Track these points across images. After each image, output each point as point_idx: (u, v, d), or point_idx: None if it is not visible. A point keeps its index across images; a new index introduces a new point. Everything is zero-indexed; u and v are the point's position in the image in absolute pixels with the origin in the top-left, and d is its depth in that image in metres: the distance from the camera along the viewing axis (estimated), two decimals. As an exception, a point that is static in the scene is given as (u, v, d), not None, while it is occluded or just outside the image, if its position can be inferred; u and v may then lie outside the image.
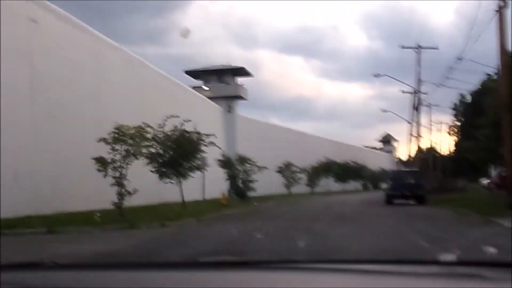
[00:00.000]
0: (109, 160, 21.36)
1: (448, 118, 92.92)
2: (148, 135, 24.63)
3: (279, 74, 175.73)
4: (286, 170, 61.27)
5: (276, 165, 60.47)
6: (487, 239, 12.46)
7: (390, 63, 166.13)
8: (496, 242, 10.60)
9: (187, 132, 27.27)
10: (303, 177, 64.71)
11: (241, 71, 61.21)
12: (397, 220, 20.39)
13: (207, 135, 27.84)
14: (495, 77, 54.70)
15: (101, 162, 21.22)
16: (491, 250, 2.97)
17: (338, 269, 2.17)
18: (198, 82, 60.55)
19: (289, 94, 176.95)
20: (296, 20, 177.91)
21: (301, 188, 63.85)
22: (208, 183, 41.60)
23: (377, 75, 58.41)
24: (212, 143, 27.59)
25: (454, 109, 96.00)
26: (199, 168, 28.11)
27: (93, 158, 21.25)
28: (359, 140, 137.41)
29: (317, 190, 68.80)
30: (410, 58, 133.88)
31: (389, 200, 33.29)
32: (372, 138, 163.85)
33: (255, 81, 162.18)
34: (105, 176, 21.40)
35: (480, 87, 68.09)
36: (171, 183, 27.57)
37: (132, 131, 21.77)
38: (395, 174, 36.23)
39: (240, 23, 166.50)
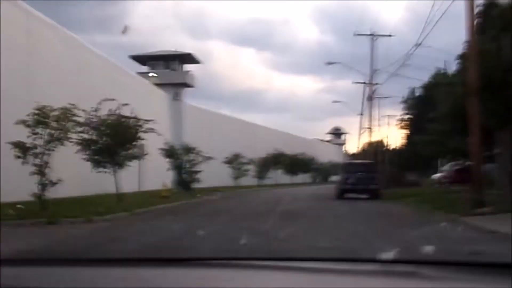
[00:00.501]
0: (29, 145, 18.59)
1: (398, 112, 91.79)
2: (79, 119, 21.99)
3: (231, 66, 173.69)
4: (234, 161, 59.00)
5: (224, 156, 58.21)
6: (466, 244, 10.49)
7: (341, 57, 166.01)
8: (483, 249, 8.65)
9: (124, 117, 24.61)
10: (252, 168, 62.55)
11: (189, 58, 58.56)
12: (351, 218, 18.27)
13: (147, 120, 25.23)
14: (445, 71, 54.16)
15: (19, 147, 18.47)
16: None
17: (276, 266, 2.13)
18: (145, 69, 57.70)
19: (241, 85, 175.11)
20: (248, 12, 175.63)
21: (249, 180, 61.66)
22: (150, 173, 38.96)
23: (330, 63, 56.38)
24: (151, 129, 24.98)
25: (404, 102, 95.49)
26: (136, 157, 25.45)
27: (10, 143, 18.48)
28: (309, 133, 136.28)
29: (266, 183, 66.68)
30: (361, 53, 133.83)
31: (341, 194, 31.24)
32: (323, 131, 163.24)
33: (206, 72, 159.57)
34: (23, 163, 18.65)
35: (431, 80, 67.75)
36: (106, 172, 24.89)
37: (56, 113, 19.03)
38: (348, 166, 33.94)
39: (192, 13, 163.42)
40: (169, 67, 57.55)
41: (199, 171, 40.18)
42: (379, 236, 12.11)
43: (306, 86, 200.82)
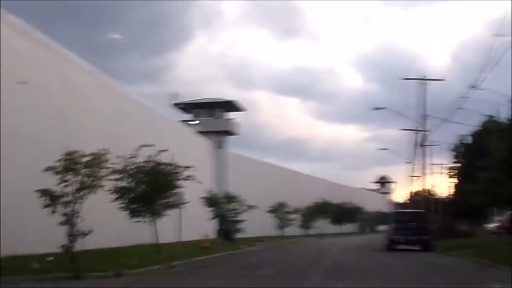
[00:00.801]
0: (59, 193, 17.37)
1: (447, 159, 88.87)
2: (115, 165, 20.85)
3: (275, 115, 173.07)
4: (278, 210, 57.24)
5: (268, 205, 56.60)
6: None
7: (386, 105, 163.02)
8: None
9: (162, 163, 23.37)
10: (297, 218, 60.64)
11: (233, 106, 57.58)
12: (407, 275, 16.40)
13: (186, 167, 23.94)
14: (496, 117, 52.10)
15: (48, 195, 17.25)
16: None
17: None
18: (188, 117, 56.93)
19: (285, 135, 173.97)
20: (292, 61, 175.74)
21: (294, 230, 59.73)
22: (190, 223, 37.62)
23: (377, 108, 54.41)
24: (190, 176, 23.67)
25: (453, 150, 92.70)
26: (175, 205, 24.04)
27: (38, 191, 17.29)
28: (354, 182, 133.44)
29: (311, 232, 64.61)
30: (406, 101, 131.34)
31: (391, 245, 29.19)
32: (367, 180, 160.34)
33: (251, 121, 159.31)
34: (53, 212, 17.40)
35: (481, 127, 65.80)
36: (143, 222, 23.55)
37: (87, 158, 17.83)
38: (398, 215, 31.87)
39: (237, 64, 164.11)
40: (212, 115, 56.64)
41: (242, 221, 38.64)
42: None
43: (351, 135, 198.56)
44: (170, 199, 23.52)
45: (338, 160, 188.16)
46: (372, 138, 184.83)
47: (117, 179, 22.45)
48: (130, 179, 22.88)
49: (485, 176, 34.27)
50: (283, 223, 57.12)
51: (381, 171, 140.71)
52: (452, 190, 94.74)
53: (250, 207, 38.46)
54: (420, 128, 57.23)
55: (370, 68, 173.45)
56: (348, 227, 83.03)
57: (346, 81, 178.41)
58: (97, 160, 17.93)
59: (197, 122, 54.65)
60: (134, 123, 34.21)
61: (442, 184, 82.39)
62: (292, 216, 57.97)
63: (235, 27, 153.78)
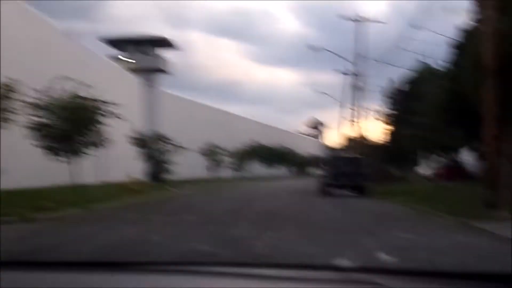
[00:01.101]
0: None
1: (381, 105, 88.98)
2: (28, 98, 18.86)
3: (210, 57, 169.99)
4: (210, 152, 55.86)
5: (201, 146, 55.12)
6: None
7: (322, 52, 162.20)
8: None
9: (82, 97, 21.33)
10: (229, 160, 59.49)
11: (166, 43, 55.19)
12: (346, 223, 15.30)
13: (108, 103, 21.99)
14: (430, 64, 52.28)
15: None
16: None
17: (237, 273, 2.03)
18: (116, 53, 54.22)
19: (220, 77, 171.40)
20: (230, 2, 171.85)
21: (226, 172, 58.61)
22: (118, 164, 35.85)
23: (313, 48, 52.51)
24: (113, 113, 21.81)
25: (389, 95, 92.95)
26: (95, 143, 22.12)
27: None
28: (287, 126, 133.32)
29: (243, 175, 63.70)
30: (342, 47, 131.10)
31: (325, 189, 28.28)
32: (300, 124, 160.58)
33: (184, 62, 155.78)
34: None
35: (415, 73, 66.41)
36: (61, 161, 21.63)
37: (-5, 90, 15.78)
38: (334, 159, 30.81)
39: (174, 3, 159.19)
40: (144, 52, 54.13)
41: (171, 162, 37.12)
42: (388, 249, 9.09)
43: (286, 78, 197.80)
44: (92, 138, 21.61)
45: (272, 104, 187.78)
46: (307, 82, 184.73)
47: (33, 115, 20.46)
48: (48, 115, 20.83)
49: (420, 122, 34.49)
50: (215, 165, 55.87)
51: (315, 115, 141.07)
52: (385, 136, 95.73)
53: (180, 148, 36.83)
54: (355, 71, 56.52)
55: (308, 11, 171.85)
56: (280, 171, 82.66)
57: (283, 24, 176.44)
58: (5, 91, 15.89)
59: (127, 59, 52.08)
60: (56, 55, 31.73)
61: (375, 130, 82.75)
62: (225, 158, 56.76)
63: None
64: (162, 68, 54.10)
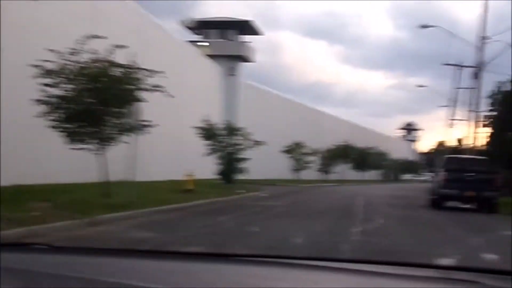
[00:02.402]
0: None
1: (481, 108, 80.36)
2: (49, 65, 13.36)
3: (300, 57, 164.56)
4: (294, 151, 49.51)
5: (284, 144, 48.95)
6: None
7: (414, 53, 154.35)
8: None
9: (116, 64, 15.45)
10: (316, 161, 52.86)
11: (249, 28, 49.14)
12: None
13: (152, 71, 15.93)
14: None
15: None
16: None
17: (332, 267, 2.08)
18: (195, 37, 48.73)
19: (309, 78, 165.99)
20: (321, 3, 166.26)
21: (311, 173, 52.10)
22: (178, 157, 30.31)
23: (425, 26, 43.90)
24: (159, 87, 15.80)
25: (490, 96, 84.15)
26: (131, 128, 16.04)
27: None
28: (378, 128, 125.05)
29: (330, 178, 56.94)
30: (435, 51, 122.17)
31: (439, 202, 21.24)
32: (392, 128, 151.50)
33: (275, 63, 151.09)
34: None
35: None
36: (88, 150, 15.84)
37: None
38: (451, 161, 23.18)
39: (264, 3, 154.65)
40: (225, 37, 48.40)
41: (246, 159, 31.08)
42: None
43: (377, 81, 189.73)
44: (127, 119, 15.66)
45: (362, 106, 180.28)
46: (398, 86, 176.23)
47: (49, 85, 14.85)
48: (69, 85, 15.10)
49: None
50: (299, 165, 49.52)
51: (407, 119, 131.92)
52: (485, 141, 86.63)
53: (257, 142, 30.68)
54: (464, 64, 48.80)
55: (401, 14, 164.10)
56: (370, 174, 75.18)
57: (376, 26, 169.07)
58: None
59: (206, 43, 46.50)
60: (115, 25, 26.32)
61: (474, 134, 74.17)
62: (310, 158, 50.24)
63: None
64: (244, 55, 48.12)
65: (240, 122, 43.60)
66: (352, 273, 1.97)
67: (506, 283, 1.81)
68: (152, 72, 15.92)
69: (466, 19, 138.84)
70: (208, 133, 29.47)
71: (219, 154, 29.85)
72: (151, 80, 15.94)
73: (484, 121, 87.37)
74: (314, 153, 50.72)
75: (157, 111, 30.64)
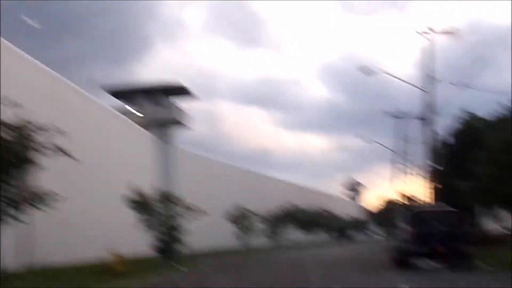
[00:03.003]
0: None
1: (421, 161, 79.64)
2: None
3: (239, 125, 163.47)
4: (239, 217, 46.23)
5: (228, 211, 45.72)
6: None
7: (352, 115, 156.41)
8: None
9: (7, 125, 12.15)
10: (262, 226, 49.52)
11: (181, 92, 46.45)
12: None
13: (54, 130, 12.63)
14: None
15: None
16: None
17: None
18: (122, 104, 45.50)
19: (250, 145, 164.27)
20: (257, 72, 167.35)
21: (259, 240, 48.68)
22: (108, 233, 26.85)
23: (365, 71, 41.11)
24: (60, 148, 12.53)
25: (433, 150, 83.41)
26: (19, 201, 12.39)
27: None
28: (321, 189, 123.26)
29: (278, 243, 53.54)
30: (369, 112, 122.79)
31: (404, 260, 18.36)
32: (335, 187, 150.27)
33: (214, 132, 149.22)
34: None
35: (462, 126, 59.84)
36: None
37: None
38: (418, 215, 20.23)
39: (200, 75, 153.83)
40: (155, 102, 45.42)
41: (187, 230, 27.69)
42: None
43: (317, 143, 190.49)
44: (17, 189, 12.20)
45: (304, 169, 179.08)
46: (337, 146, 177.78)
47: None
48: None
49: (484, 173, 31.12)
50: (246, 232, 46.17)
51: (347, 179, 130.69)
52: (431, 193, 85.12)
53: (198, 211, 27.38)
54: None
55: (334, 77, 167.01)
56: (321, 236, 71.99)
57: (311, 91, 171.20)
58: None
59: (134, 110, 43.37)
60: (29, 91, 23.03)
61: (420, 188, 72.81)
62: (257, 224, 47.03)
63: (197, 39, 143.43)
64: (179, 120, 45.15)
65: (179, 190, 40.15)
66: None
67: None
68: (53, 131, 12.69)
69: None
70: (141, 204, 25.93)
71: (154, 226, 26.24)
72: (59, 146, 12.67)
73: (430, 175, 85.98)
74: (259, 218, 47.52)
75: (81, 183, 27.18)
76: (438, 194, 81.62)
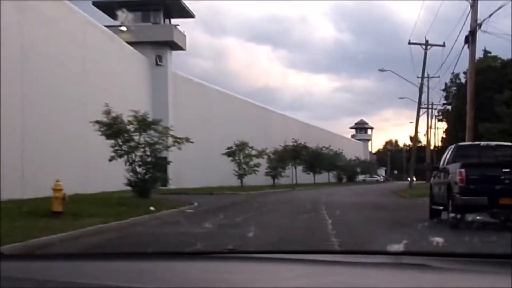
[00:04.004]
0: None
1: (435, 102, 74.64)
2: None
3: (245, 63, 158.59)
4: (238, 153, 41.33)
5: (226, 145, 40.90)
6: None
7: (358, 56, 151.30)
8: None
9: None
10: (262, 163, 44.53)
11: (178, 9, 40.66)
12: None
13: None
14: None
15: None
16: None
17: (289, 259, 2.12)
18: (114, 22, 39.80)
19: (255, 83, 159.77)
20: (264, 9, 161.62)
21: (259, 178, 43.88)
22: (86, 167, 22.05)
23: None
24: None
25: (445, 89, 77.91)
26: None
27: None
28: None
29: (280, 182, 48.68)
30: (378, 53, 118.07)
31: (456, 214, 12.88)
32: (339, 130, 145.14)
33: (220, 68, 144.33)
34: None
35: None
36: None
37: None
38: (466, 151, 14.70)
39: (207, 10, 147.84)
40: (148, 20, 39.76)
41: (167, 162, 22.69)
42: None
43: (323, 84, 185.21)
44: None
45: (309, 110, 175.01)
46: (343, 88, 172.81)
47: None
48: None
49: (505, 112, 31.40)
50: (244, 169, 41.32)
51: (352, 121, 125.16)
52: (441, 137, 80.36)
53: (180, 140, 22.23)
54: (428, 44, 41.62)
55: (343, 18, 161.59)
56: (323, 177, 67.12)
57: (317, 30, 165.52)
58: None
59: (124, 28, 37.75)
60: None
61: (429, 130, 67.65)
62: (256, 161, 42.06)
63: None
64: (174, 40, 39.50)
65: (173, 120, 35.40)
66: (306, 263, 2.00)
67: (452, 264, 1.83)
68: None
69: (408, 19, 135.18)
70: (111, 128, 20.72)
71: (127, 157, 21.11)
72: None
73: (439, 116, 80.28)
74: (260, 154, 42.53)
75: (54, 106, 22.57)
76: (449, 136, 76.62)
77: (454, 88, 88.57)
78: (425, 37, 40.90)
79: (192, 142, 22.54)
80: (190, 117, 41.22)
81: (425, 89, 46.45)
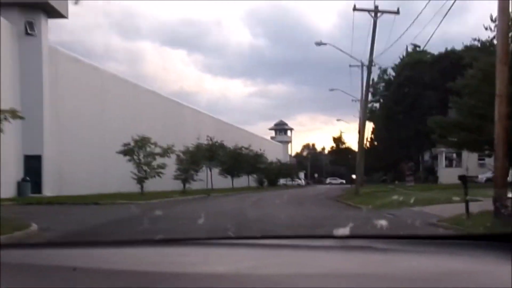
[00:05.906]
0: None
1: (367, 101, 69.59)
2: None
3: (161, 67, 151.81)
4: (138, 150, 32.17)
5: (123, 142, 31.79)
6: None
7: (274, 61, 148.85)
8: None
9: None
10: (171, 165, 35.39)
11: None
12: None
13: None
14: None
15: None
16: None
17: (235, 244, 2.12)
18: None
19: (172, 87, 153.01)
20: (179, 13, 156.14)
21: (166, 183, 34.84)
22: None
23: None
24: None
25: (373, 86, 71.41)
26: None
27: None
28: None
29: (192, 187, 39.61)
30: (293, 58, 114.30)
31: None
32: (259, 131, 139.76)
33: (135, 72, 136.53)
34: None
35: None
36: None
37: None
38: None
39: (122, 12, 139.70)
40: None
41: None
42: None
43: (238, 89, 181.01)
44: None
45: (225, 115, 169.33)
46: (259, 93, 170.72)
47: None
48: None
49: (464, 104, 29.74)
50: (145, 172, 32.21)
51: (268, 126, 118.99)
52: (378, 134, 74.60)
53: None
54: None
55: (258, 23, 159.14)
56: (242, 181, 58.52)
57: (233, 35, 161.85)
58: None
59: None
60: None
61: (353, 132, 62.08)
62: (161, 161, 32.93)
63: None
64: (51, 3, 29.90)
65: (51, 108, 26.22)
66: (251, 247, 1.99)
67: (395, 245, 1.84)
68: None
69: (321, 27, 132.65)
70: None
71: None
72: None
73: (368, 116, 74.71)
74: (166, 153, 33.38)
75: None
76: (384, 137, 70.73)
77: (382, 84, 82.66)
78: (374, 2, 33.76)
79: (22, 118, 13.52)
80: (77, 106, 31.86)
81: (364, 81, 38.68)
